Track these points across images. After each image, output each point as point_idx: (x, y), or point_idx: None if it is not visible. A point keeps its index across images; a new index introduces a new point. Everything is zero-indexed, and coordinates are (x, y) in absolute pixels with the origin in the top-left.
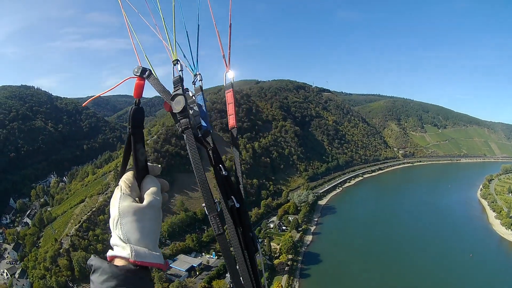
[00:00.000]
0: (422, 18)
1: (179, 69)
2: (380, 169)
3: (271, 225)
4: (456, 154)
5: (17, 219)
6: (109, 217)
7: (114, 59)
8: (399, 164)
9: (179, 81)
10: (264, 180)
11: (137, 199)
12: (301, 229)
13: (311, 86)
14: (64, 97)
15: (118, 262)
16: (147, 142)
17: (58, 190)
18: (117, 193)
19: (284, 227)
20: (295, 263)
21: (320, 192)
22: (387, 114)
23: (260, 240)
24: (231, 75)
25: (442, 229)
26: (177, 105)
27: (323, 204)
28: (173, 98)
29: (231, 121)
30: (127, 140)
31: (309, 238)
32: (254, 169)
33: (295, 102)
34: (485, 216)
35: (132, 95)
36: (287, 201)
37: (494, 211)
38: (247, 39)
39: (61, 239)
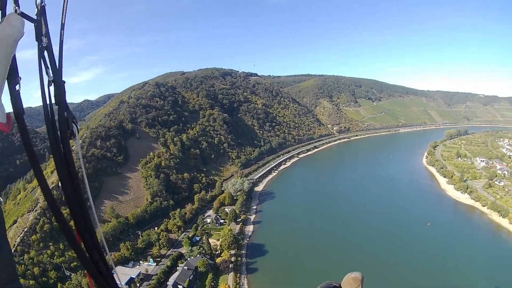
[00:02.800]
0: None
1: None
2: (315, 147)
3: (208, 220)
4: (394, 124)
5: None
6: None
7: None
8: (335, 141)
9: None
10: (195, 173)
11: None
12: (240, 220)
13: (238, 71)
14: None
15: None
16: (73, 148)
17: None
18: None
19: (221, 220)
20: (239, 259)
21: (255, 178)
22: (318, 92)
23: (198, 237)
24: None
25: (393, 202)
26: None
27: (260, 190)
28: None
29: None
30: None
31: (250, 228)
32: (184, 162)
33: (222, 89)
34: (435, 183)
35: None
36: (222, 192)
37: (445, 177)
38: (172, 32)
39: None
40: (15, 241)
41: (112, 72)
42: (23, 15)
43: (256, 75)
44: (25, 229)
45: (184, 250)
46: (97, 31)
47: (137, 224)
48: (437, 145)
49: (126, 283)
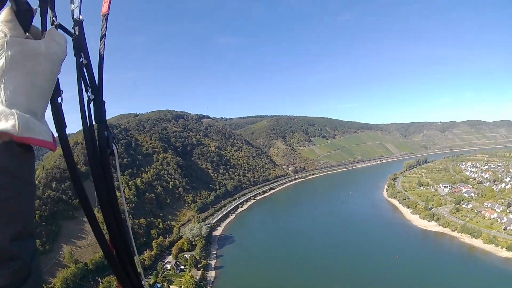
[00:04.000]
0: (290, 39)
1: None
2: (272, 188)
3: (168, 266)
4: (351, 160)
5: None
6: None
7: None
8: (291, 181)
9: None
10: (152, 218)
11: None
12: (201, 265)
13: (190, 114)
14: None
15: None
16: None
17: None
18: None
19: (182, 267)
20: None
21: (213, 222)
22: (271, 133)
23: (159, 285)
24: None
25: (357, 237)
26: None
27: (219, 234)
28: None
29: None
30: None
31: (211, 274)
32: (140, 207)
33: (174, 132)
34: (399, 214)
35: None
36: (180, 237)
37: (408, 208)
38: (124, 72)
39: None
40: None
41: (67, 111)
42: (62, 27)
43: (208, 117)
44: None
45: None
46: None
47: (96, 270)
48: (397, 177)
49: None
